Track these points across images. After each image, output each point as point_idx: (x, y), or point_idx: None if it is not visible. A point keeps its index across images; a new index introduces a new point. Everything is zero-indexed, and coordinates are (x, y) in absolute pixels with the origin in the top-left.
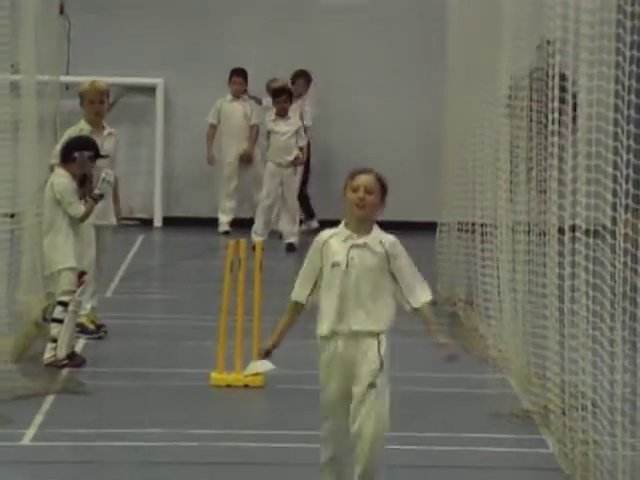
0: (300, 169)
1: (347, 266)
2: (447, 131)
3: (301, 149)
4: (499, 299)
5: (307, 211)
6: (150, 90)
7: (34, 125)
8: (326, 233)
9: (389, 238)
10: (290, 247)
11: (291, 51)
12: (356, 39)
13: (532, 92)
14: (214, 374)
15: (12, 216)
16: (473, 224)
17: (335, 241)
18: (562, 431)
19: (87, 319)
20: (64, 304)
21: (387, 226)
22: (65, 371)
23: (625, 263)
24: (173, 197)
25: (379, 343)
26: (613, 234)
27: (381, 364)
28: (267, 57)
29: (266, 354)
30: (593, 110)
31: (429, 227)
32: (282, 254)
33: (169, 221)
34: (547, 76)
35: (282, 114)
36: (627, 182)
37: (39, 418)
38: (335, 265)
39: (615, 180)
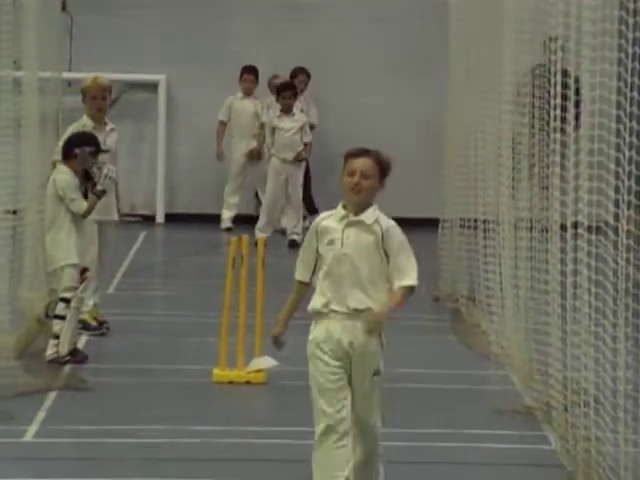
0: (304, 165)
1: (342, 245)
2: (449, 128)
3: (306, 145)
4: (501, 295)
5: (310, 207)
6: (152, 87)
7: (36, 122)
8: (323, 215)
9: (387, 221)
10: (293, 243)
11: (292, 49)
12: (357, 38)
13: (535, 89)
14: (216, 370)
15: (14, 213)
16: (475, 220)
17: (331, 221)
18: (564, 428)
19: (89, 315)
20: (66, 300)
21: None
22: (67, 368)
23: (628, 259)
24: (175, 193)
25: (379, 335)
26: (616, 231)
27: (381, 351)
28: (268, 55)
29: (275, 340)
30: (595, 107)
31: (431, 223)
32: (285, 250)
33: (171, 217)
34: (549, 73)
35: (287, 110)
36: (629, 179)
37: (41, 415)
38: (330, 243)
39: (617, 177)
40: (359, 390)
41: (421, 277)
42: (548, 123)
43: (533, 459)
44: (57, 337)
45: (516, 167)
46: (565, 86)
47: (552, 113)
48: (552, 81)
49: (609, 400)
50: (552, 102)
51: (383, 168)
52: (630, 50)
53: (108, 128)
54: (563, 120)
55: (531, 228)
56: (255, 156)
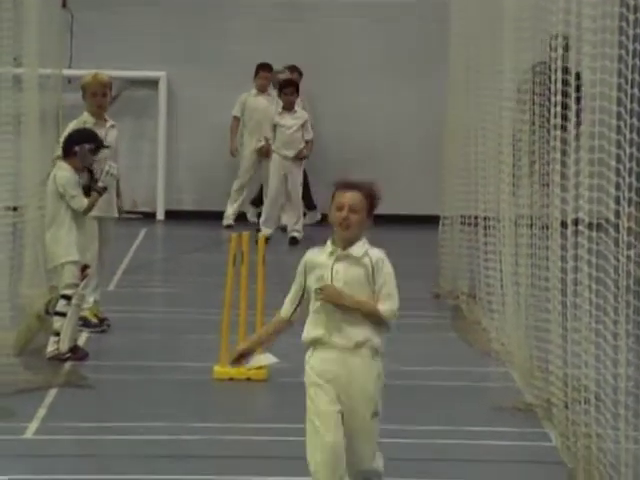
0: (304, 163)
1: (331, 280)
2: (449, 125)
3: (307, 143)
4: (502, 292)
5: (308, 204)
6: (153, 83)
7: (36, 119)
8: (312, 251)
9: (377, 253)
10: (293, 241)
11: (291, 48)
12: (356, 38)
13: (535, 86)
14: (217, 367)
15: (15, 209)
16: (476, 217)
17: (319, 257)
18: (565, 424)
19: (90, 312)
20: (67, 298)
21: (390, 220)
22: (68, 364)
23: (629, 257)
24: (176, 191)
25: (377, 372)
26: (616, 228)
27: (379, 393)
28: (268, 53)
29: (238, 358)
30: (596, 104)
31: (432, 220)
32: (285, 247)
33: (172, 214)
34: (550, 70)
35: (289, 107)
36: (630, 175)
37: (42, 411)
38: (319, 279)
39: (618, 173)
40: (356, 431)
41: (421, 274)
42: (548, 120)
43: (534, 456)
44: (58, 334)
45: (516, 164)
46: (566, 83)
47: (552, 110)
48: (553, 78)
49: (610, 397)
50: (553, 99)
51: (372, 202)
52: (630, 47)
53: (108, 125)
54: (564, 117)
55: (531, 225)
56: (264, 153)
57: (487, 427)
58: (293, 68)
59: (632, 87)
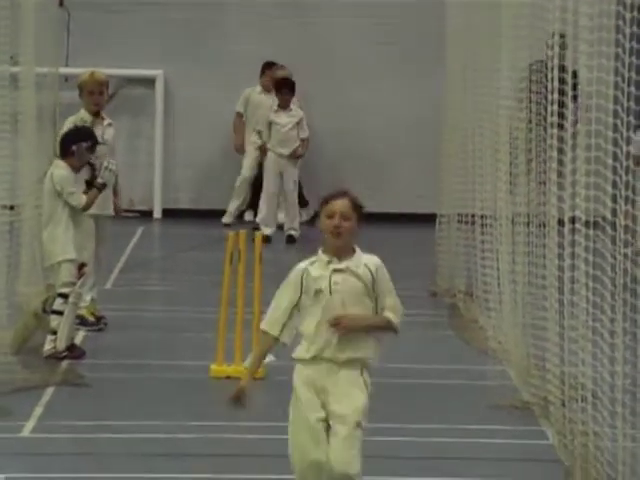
0: (300, 161)
1: (330, 292)
2: (447, 123)
3: (303, 141)
4: (499, 291)
5: (300, 200)
6: (150, 82)
7: (33, 117)
8: (304, 263)
9: (374, 260)
10: (290, 239)
11: (290, 47)
12: (356, 37)
13: (532, 84)
14: (214, 366)
15: (11, 208)
16: (473, 216)
17: (315, 268)
18: (562, 423)
19: (87, 311)
20: (64, 296)
21: (388, 218)
22: (65, 363)
23: (625, 255)
24: (173, 189)
25: (364, 378)
26: (613, 225)
27: (366, 403)
28: (266, 52)
29: (240, 395)
30: (593, 102)
31: (429, 219)
32: (282, 246)
33: (169, 213)
34: (546, 68)
35: (284, 105)
36: (627, 174)
37: (39, 410)
38: (318, 292)
39: (615, 172)
40: (339, 437)
41: (418, 272)
42: (545, 118)
43: (530, 454)
44: (55, 332)
45: (513, 162)
46: (563, 81)
47: (549, 108)
48: (550, 76)
49: (607, 395)
50: (549, 97)
51: (359, 209)
52: (627, 45)
53: (106, 123)
54: (560, 115)
55: (528, 223)
56: (264, 151)
57: (484, 425)
58: (282, 66)
59: (629, 85)
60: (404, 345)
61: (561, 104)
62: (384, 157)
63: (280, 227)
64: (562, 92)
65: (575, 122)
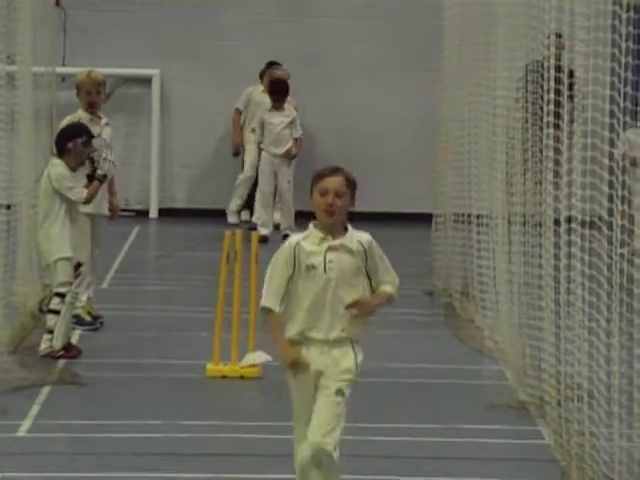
0: (295, 161)
1: (325, 270)
2: (443, 123)
3: (296, 141)
4: (495, 290)
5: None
6: (146, 81)
7: (30, 116)
8: (295, 237)
9: (365, 237)
10: (286, 239)
11: (287, 45)
12: (352, 34)
13: (528, 84)
14: (210, 365)
15: (8, 207)
16: (469, 215)
17: (308, 243)
18: (558, 422)
19: (84, 310)
20: (61, 295)
21: (384, 218)
22: (61, 362)
23: (621, 254)
24: (169, 188)
25: (355, 354)
26: (609, 225)
27: (354, 375)
28: (262, 50)
29: (299, 363)
30: (588, 102)
31: (425, 218)
32: (279, 245)
33: (165, 212)
34: (542, 68)
35: (277, 107)
36: (623, 174)
37: (35, 409)
38: (311, 268)
39: (611, 171)
40: (319, 404)
41: (414, 272)
42: (542, 118)
43: (527, 454)
44: (51, 332)
45: (510, 162)
46: (559, 81)
47: (546, 108)
48: (546, 76)
49: (603, 395)
50: (546, 97)
51: (353, 187)
52: (623, 45)
53: (103, 122)
54: (557, 115)
55: (525, 223)
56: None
57: (480, 425)
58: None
59: (625, 85)
60: (400, 345)
61: (557, 104)
62: (381, 157)
63: (277, 227)
64: (558, 92)
65: (571, 122)
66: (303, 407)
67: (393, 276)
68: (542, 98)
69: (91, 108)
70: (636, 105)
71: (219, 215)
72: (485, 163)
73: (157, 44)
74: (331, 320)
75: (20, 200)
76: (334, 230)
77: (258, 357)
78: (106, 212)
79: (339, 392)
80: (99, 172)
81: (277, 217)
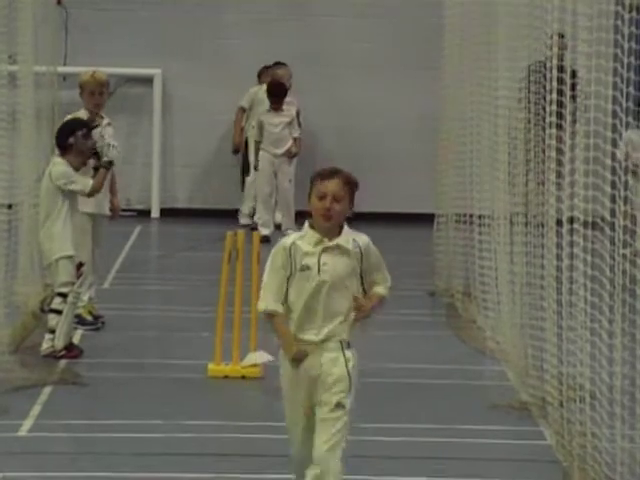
0: (295, 160)
1: (319, 272)
2: (444, 122)
3: (295, 140)
4: (497, 291)
5: None
6: (148, 81)
7: (31, 116)
8: (290, 237)
9: (363, 238)
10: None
11: (288, 44)
12: (354, 33)
13: (530, 84)
14: (211, 365)
15: (9, 207)
16: (471, 215)
17: (303, 243)
18: (560, 423)
19: (85, 310)
20: (63, 295)
21: (385, 217)
22: (62, 362)
23: (624, 255)
24: (170, 188)
25: (346, 359)
26: (612, 226)
27: (350, 382)
28: (265, 50)
29: (300, 354)
30: (591, 102)
31: (427, 218)
32: None
33: (166, 212)
34: (545, 68)
35: (276, 108)
36: (626, 174)
37: (36, 409)
38: (305, 269)
39: (614, 172)
40: (319, 420)
41: (416, 272)
42: (544, 118)
43: (528, 454)
44: (53, 331)
45: (512, 162)
46: (561, 81)
47: (548, 108)
48: (548, 76)
49: (605, 395)
50: (548, 97)
51: (353, 188)
52: (626, 45)
53: (105, 122)
54: (559, 115)
55: (527, 223)
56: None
57: (481, 425)
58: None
59: (627, 86)
60: (402, 345)
61: (560, 104)
62: (382, 156)
63: (278, 227)
64: (561, 92)
65: (574, 122)
66: (295, 415)
67: (386, 277)
68: (544, 98)
69: (95, 109)
70: (639, 105)
71: (220, 215)
72: (487, 163)
73: (158, 43)
74: (323, 322)
75: (21, 199)
76: (330, 232)
77: (260, 357)
78: (107, 212)
79: (339, 406)
80: (104, 159)
81: (278, 217)
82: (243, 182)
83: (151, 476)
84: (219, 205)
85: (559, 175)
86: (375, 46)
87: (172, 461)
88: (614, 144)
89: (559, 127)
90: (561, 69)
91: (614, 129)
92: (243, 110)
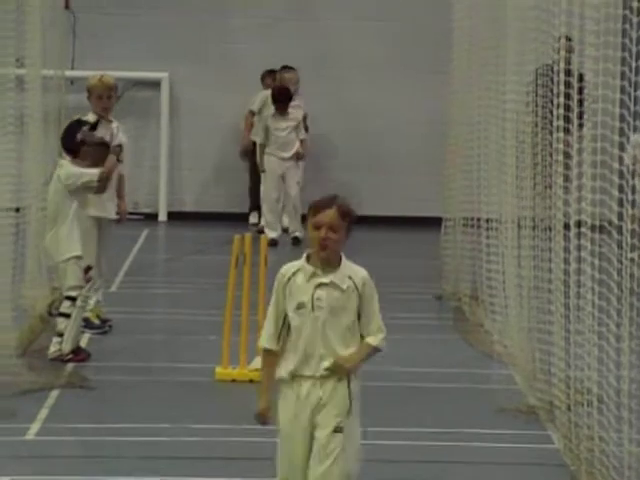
0: (302, 163)
1: (313, 308)
2: (452, 126)
3: (302, 142)
4: (504, 294)
5: (254, 203)
6: (155, 85)
7: (39, 120)
8: (289, 268)
9: (360, 273)
10: (296, 241)
11: (295, 48)
12: (361, 37)
13: (538, 88)
14: (219, 369)
15: (17, 210)
16: (478, 219)
17: (299, 278)
18: (567, 427)
19: (92, 314)
20: (72, 299)
21: (393, 221)
22: (70, 365)
23: (632, 259)
24: (178, 191)
25: (348, 383)
26: (620, 230)
27: (350, 406)
28: (271, 53)
29: (263, 418)
30: (599, 106)
31: (434, 222)
32: (288, 248)
33: (174, 216)
34: (552, 72)
35: (281, 113)
36: (633, 178)
37: (44, 412)
38: (300, 306)
39: (621, 176)
40: (317, 447)
41: (424, 276)
42: (552, 122)
43: (536, 458)
44: (61, 335)
45: (519, 166)
46: (569, 85)
47: (555, 112)
48: (556, 80)
49: (613, 399)
50: (555, 101)
51: (350, 219)
52: (634, 49)
53: (114, 125)
54: (566, 119)
55: (534, 227)
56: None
57: (489, 429)
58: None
59: (635, 89)
60: (409, 348)
61: (567, 108)
62: (389, 159)
63: (286, 230)
64: (568, 96)
65: (581, 126)
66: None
67: (379, 325)
68: (552, 102)
69: (103, 112)
70: None
71: (228, 218)
72: (495, 167)
73: (166, 47)
74: (322, 358)
75: (29, 203)
76: (327, 264)
77: None
78: (114, 216)
79: (337, 429)
80: (115, 142)
81: (285, 221)
82: (253, 185)
83: None
84: (226, 208)
85: (566, 179)
86: (382, 50)
87: (179, 465)
88: (621, 148)
89: (566, 131)
90: (568, 72)
91: (621, 133)
92: (252, 114)
